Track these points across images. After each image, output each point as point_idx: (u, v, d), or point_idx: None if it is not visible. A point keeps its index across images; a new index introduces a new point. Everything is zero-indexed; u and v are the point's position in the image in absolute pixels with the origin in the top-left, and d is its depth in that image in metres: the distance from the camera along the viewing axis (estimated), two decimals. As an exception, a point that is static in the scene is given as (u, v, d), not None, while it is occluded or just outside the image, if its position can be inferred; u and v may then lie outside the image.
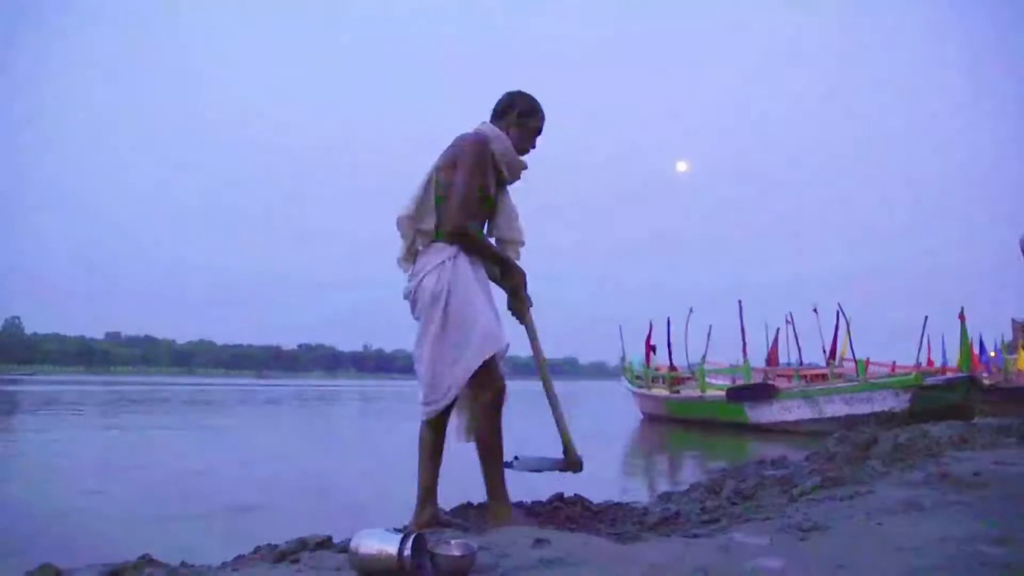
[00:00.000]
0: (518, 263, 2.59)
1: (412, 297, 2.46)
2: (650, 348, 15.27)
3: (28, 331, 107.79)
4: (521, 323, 2.58)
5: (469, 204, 2.41)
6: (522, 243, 2.67)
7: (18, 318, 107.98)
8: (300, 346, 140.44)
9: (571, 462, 2.56)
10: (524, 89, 2.68)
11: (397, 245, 2.56)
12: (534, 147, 2.67)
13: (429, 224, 2.46)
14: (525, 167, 2.65)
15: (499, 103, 2.64)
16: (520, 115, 2.60)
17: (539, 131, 2.67)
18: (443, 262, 2.39)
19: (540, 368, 2.64)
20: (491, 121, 2.61)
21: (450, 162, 2.46)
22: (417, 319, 2.47)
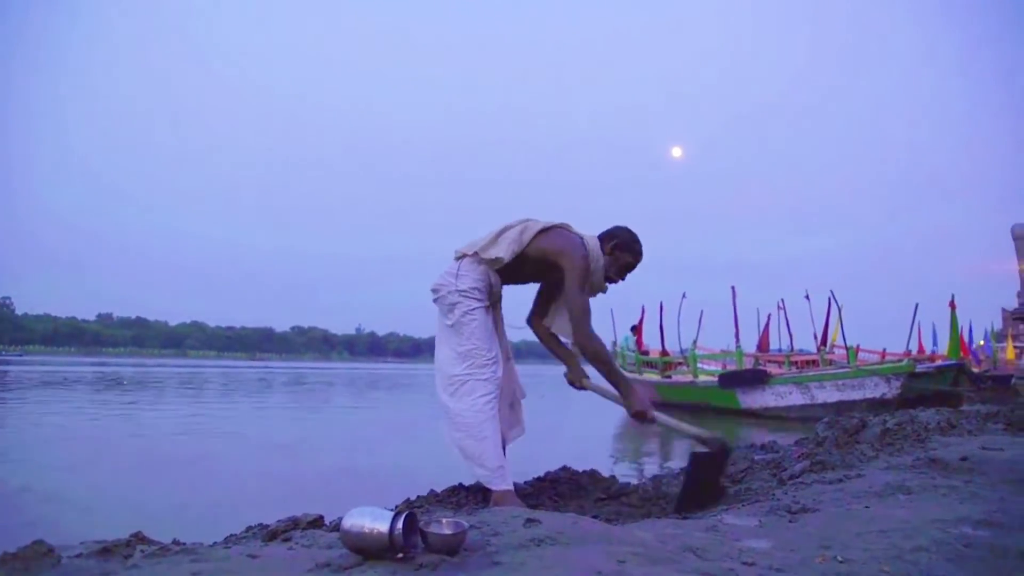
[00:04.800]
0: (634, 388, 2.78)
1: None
2: (639, 333, 15.29)
3: (19, 311, 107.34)
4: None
5: (588, 312, 2.67)
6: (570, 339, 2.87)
7: (9, 298, 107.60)
8: (293, 328, 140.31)
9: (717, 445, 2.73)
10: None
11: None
12: (623, 279, 2.88)
13: (493, 255, 2.72)
14: (604, 291, 2.86)
15: (608, 229, 2.85)
16: (615, 247, 2.80)
17: (630, 266, 2.87)
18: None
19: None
20: (599, 238, 2.82)
21: (553, 252, 2.70)
22: None
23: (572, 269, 2.64)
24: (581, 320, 2.64)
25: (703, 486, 2.67)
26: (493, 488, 2.54)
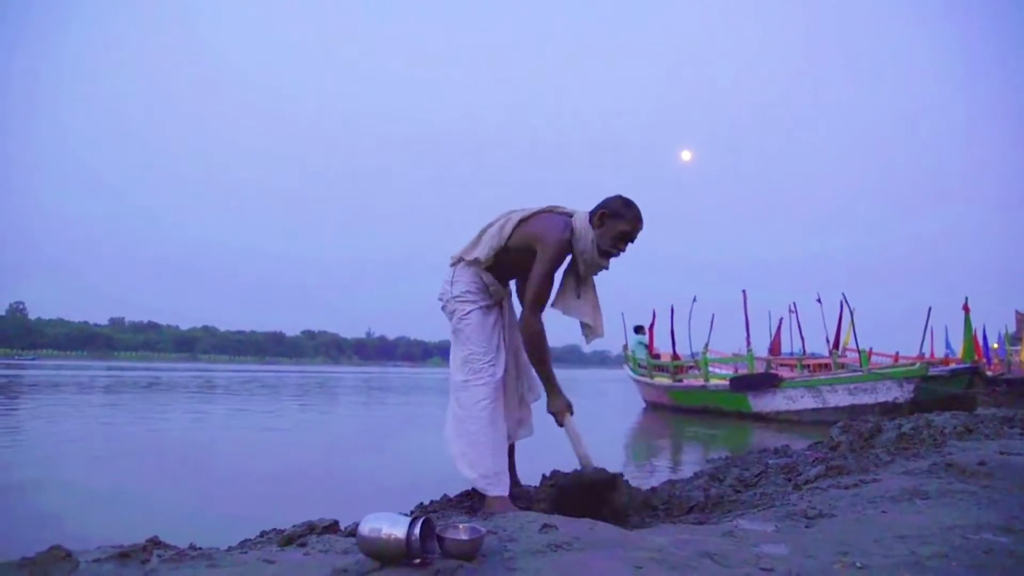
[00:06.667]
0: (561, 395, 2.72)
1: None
2: (651, 337, 15.25)
3: (32, 316, 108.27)
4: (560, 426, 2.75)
5: (542, 301, 2.64)
6: (588, 327, 2.79)
7: (22, 303, 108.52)
8: (303, 332, 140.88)
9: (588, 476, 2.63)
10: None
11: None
12: (623, 251, 2.72)
13: (473, 256, 2.74)
14: (605, 268, 2.73)
15: (599, 202, 2.71)
16: (604, 216, 2.66)
17: (627, 236, 2.69)
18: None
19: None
20: (589, 213, 2.69)
21: (531, 237, 2.66)
22: None
23: (543, 252, 2.60)
24: (533, 303, 2.61)
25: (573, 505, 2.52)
26: (488, 494, 2.57)
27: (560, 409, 2.70)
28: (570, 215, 2.73)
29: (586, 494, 2.56)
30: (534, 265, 2.63)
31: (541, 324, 2.67)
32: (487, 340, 2.73)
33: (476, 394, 2.65)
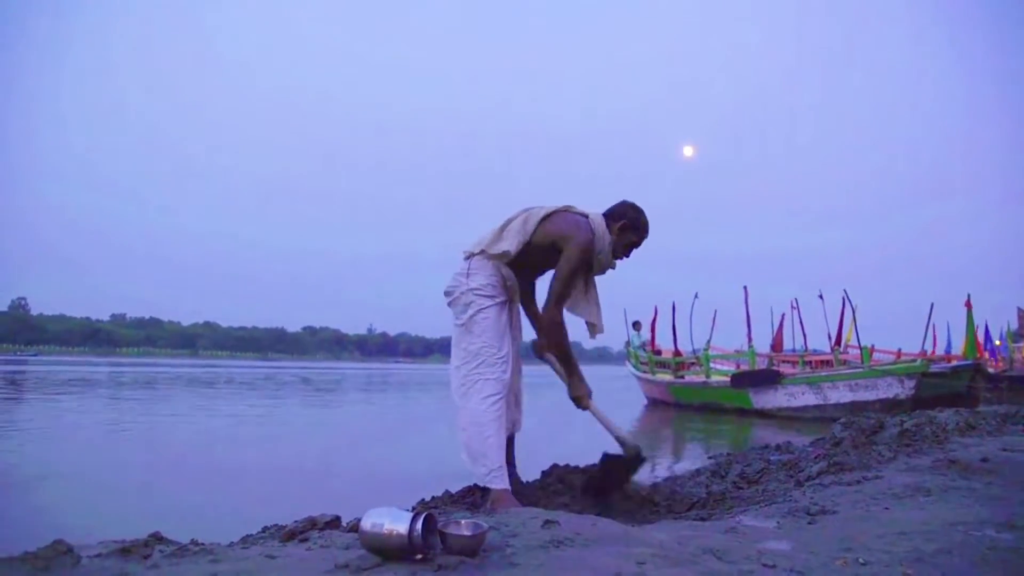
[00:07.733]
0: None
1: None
2: (652, 333, 15.24)
3: (34, 312, 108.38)
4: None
5: (567, 296, 2.74)
6: (592, 324, 2.92)
7: (24, 299, 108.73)
8: (305, 328, 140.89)
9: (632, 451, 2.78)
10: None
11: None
12: (628, 256, 2.91)
13: (501, 248, 2.73)
14: (613, 267, 2.91)
15: (615, 206, 2.87)
16: (622, 228, 2.82)
17: (636, 245, 2.90)
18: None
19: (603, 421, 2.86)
20: (604, 215, 2.83)
21: (556, 235, 2.71)
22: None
23: (572, 251, 2.67)
24: (559, 296, 2.70)
25: (606, 482, 2.80)
26: (492, 487, 2.56)
27: (582, 394, 2.81)
28: (586, 216, 2.79)
29: (622, 469, 2.81)
30: (561, 262, 2.69)
31: (562, 316, 2.77)
32: (500, 337, 2.72)
33: (486, 388, 2.62)
